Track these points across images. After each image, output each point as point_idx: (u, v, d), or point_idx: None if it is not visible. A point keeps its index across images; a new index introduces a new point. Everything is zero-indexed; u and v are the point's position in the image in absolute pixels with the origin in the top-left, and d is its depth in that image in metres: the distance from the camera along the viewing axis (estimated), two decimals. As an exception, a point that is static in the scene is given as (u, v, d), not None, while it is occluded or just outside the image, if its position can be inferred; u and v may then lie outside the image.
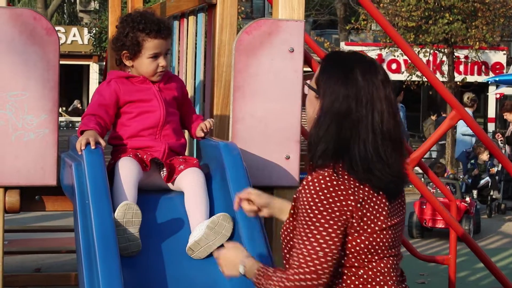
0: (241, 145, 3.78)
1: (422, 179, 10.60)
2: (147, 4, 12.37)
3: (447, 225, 5.47)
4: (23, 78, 3.70)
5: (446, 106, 20.27)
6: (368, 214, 2.45)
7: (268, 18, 4.05)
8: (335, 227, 2.40)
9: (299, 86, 3.99)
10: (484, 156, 13.32)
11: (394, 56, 20.36)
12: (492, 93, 25.96)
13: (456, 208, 6.01)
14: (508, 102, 14.54)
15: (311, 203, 2.42)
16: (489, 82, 23.18)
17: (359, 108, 2.45)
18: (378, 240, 2.47)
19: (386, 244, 2.49)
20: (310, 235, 2.41)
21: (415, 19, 17.74)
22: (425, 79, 15.26)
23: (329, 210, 2.40)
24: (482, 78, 25.18)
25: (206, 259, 3.30)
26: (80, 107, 26.39)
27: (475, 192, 12.84)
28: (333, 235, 2.40)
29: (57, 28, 25.04)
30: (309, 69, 4.62)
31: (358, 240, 2.45)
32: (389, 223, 2.49)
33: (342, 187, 2.42)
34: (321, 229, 2.40)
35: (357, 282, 2.48)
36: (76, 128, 3.62)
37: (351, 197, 2.42)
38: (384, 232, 2.48)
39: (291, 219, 2.57)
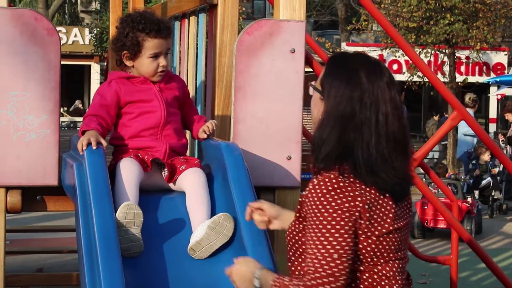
0: (243, 145, 3.78)
1: (424, 179, 10.59)
2: (148, 4, 12.37)
3: (448, 226, 5.47)
4: (24, 79, 3.70)
5: (447, 107, 20.28)
6: (375, 216, 2.42)
7: (269, 19, 4.05)
8: (347, 227, 2.38)
9: (300, 86, 3.99)
10: (486, 157, 13.32)
11: (395, 56, 20.37)
12: (493, 94, 25.95)
13: (458, 208, 6.01)
14: (509, 102, 14.55)
15: (319, 206, 2.39)
16: (490, 83, 23.18)
17: (363, 110, 2.43)
18: (384, 243, 2.45)
19: (392, 247, 2.47)
20: (322, 238, 2.38)
21: (416, 20, 17.74)
22: (426, 80, 15.26)
23: (339, 212, 2.38)
24: (483, 79, 25.18)
25: (207, 259, 3.30)
26: (81, 107, 26.40)
27: (476, 192, 12.84)
28: (346, 235, 2.38)
29: (58, 28, 25.06)
30: (310, 69, 4.62)
31: (365, 243, 2.42)
32: (395, 226, 2.46)
33: (349, 188, 2.41)
34: (332, 231, 2.37)
35: (362, 286, 2.46)
36: (78, 128, 3.62)
37: (358, 198, 2.40)
38: (391, 235, 2.45)
39: (297, 222, 2.55)
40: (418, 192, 6.10)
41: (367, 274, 2.46)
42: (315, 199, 2.40)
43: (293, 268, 2.55)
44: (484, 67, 25.64)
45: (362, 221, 2.40)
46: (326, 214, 2.38)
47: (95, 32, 18.60)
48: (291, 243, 2.57)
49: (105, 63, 7.76)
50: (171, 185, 3.58)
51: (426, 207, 10.52)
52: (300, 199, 2.55)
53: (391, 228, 2.45)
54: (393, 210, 2.46)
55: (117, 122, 3.66)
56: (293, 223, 2.58)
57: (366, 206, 2.40)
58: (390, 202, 2.46)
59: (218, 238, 3.28)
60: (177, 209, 3.48)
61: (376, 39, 24.70)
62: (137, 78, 3.68)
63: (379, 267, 2.46)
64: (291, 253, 2.57)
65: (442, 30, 17.57)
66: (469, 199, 11.21)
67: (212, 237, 3.27)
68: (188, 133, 3.97)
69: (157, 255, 3.30)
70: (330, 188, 2.40)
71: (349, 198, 2.39)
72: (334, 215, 2.38)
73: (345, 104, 2.44)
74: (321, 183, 2.41)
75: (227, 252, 3.31)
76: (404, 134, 2.49)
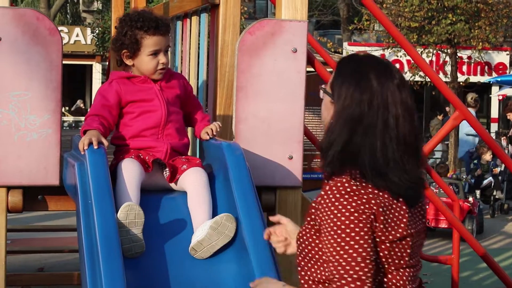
0: (244, 145, 3.78)
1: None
2: (150, 4, 12.37)
3: (450, 225, 5.47)
4: (26, 78, 3.70)
5: (449, 106, 20.28)
6: (389, 220, 2.36)
7: (271, 19, 4.05)
8: (366, 229, 2.31)
9: (302, 86, 3.99)
10: (487, 156, 13.32)
11: (397, 56, 20.35)
12: (495, 95, 25.94)
13: (459, 208, 6.02)
14: (511, 102, 14.54)
15: (335, 211, 2.33)
16: (491, 82, 23.16)
17: (373, 113, 2.38)
18: (397, 249, 2.38)
19: (404, 254, 2.40)
20: (343, 243, 2.31)
21: (418, 20, 17.73)
22: (428, 80, 15.26)
23: (355, 214, 2.31)
24: (485, 79, 25.17)
25: (208, 259, 3.29)
26: (83, 107, 26.43)
27: (478, 192, 12.83)
28: (366, 237, 2.31)
29: (60, 28, 25.07)
30: (312, 69, 4.62)
31: (378, 249, 2.36)
32: (409, 231, 2.40)
33: (362, 191, 2.35)
34: (352, 234, 2.30)
35: None
36: (80, 128, 3.62)
37: (372, 201, 2.34)
38: (403, 241, 2.39)
39: (308, 226, 2.49)
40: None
41: (376, 282, 2.37)
42: (329, 204, 2.34)
43: (302, 273, 2.50)
44: (486, 67, 25.63)
45: (377, 224, 2.34)
46: (343, 218, 2.31)
47: (97, 31, 18.59)
48: (301, 248, 2.51)
49: (107, 63, 7.76)
50: (172, 185, 3.58)
51: (427, 206, 10.51)
52: (312, 205, 2.48)
53: (404, 233, 2.38)
54: (407, 215, 2.39)
55: (118, 121, 3.66)
56: (304, 228, 2.51)
57: (381, 209, 2.34)
58: (404, 207, 2.40)
59: (220, 238, 3.28)
60: (179, 209, 3.47)
61: (378, 39, 24.69)
62: (138, 77, 3.68)
63: (389, 276, 2.39)
64: (300, 258, 2.52)
65: (444, 30, 17.56)
66: (470, 199, 11.21)
67: (214, 237, 3.27)
68: (189, 132, 3.97)
69: (158, 254, 3.30)
70: (343, 192, 2.34)
71: (364, 201, 2.33)
72: (351, 218, 2.31)
73: (354, 107, 2.39)
74: (333, 187, 2.36)
75: (228, 252, 3.31)
76: (415, 136, 2.44)
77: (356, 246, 2.30)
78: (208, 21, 4.59)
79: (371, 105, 2.39)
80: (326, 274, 2.39)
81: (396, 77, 2.45)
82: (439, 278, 7.91)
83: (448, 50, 18.84)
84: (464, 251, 7.77)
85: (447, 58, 19.56)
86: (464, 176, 13.56)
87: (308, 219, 2.50)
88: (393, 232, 2.37)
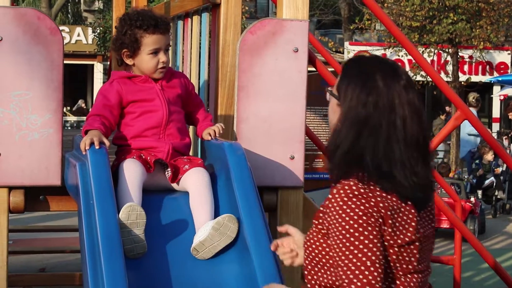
0: (245, 145, 3.77)
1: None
2: (151, 3, 12.37)
3: (451, 225, 5.46)
4: (27, 78, 3.70)
5: (449, 106, 20.28)
6: (397, 224, 2.32)
7: (272, 18, 4.05)
8: (374, 232, 2.27)
9: (303, 86, 3.99)
10: (489, 156, 13.31)
11: (399, 56, 20.33)
12: (496, 95, 25.93)
13: (461, 208, 6.01)
14: (513, 102, 14.54)
15: (343, 215, 2.29)
16: (492, 82, 23.15)
17: (379, 114, 2.35)
18: (405, 254, 2.34)
19: (413, 258, 2.36)
20: (351, 247, 2.27)
21: (419, 19, 17.72)
22: (430, 79, 15.25)
23: (364, 217, 2.27)
24: (486, 78, 25.16)
25: (210, 259, 3.29)
26: (85, 107, 26.43)
27: (479, 192, 12.83)
28: (375, 240, 2.27)
29: (61, 27, 25.05)
30: (313, 69, 4.61)
31: (386, 253, 2.32)
32: (418, 236, 2.36)
33: (370, 194, 2.31)
34: (361, 238, 2.26)
35: None
36: (81, 128, 3.62)
37: (381, 204, 2.30)
38: (412, 246, 2.35)
39: (315, 230, 2.45)
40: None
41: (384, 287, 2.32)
42: (337, 208, 2.31)
43: (309, 278, 2.47)
44: (487, 67, 25.61)
45: (385, 228, 2.30)
46: (351, 222, 2.27)
47: (98, 31, 18.59)
48: (308, 252, 2.48)
49: (108, 63, 7.76)
50: (174, 185, 3.57)
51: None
52: (320, 208, 2.45)
53: (413, 237, 2.34)
54: (415, 219, 2.36)
55: (120, 121, 3.66)
56: (311, 232, 2.48)
57: (389, 213, 2.30)
58: (413, 210, 2.36)
59: (222, 239, 3.27)
60: (180, 209, 3.47)
61: (379, 38, 24.68)
62: (139, 77, 3.68)
63: (397, 282, 2.35)
64: (307, 262, 2.49)
65: (445, 30, 17.54)
66: (472, 199, 11.21)
67: (215, 238, 3.26)
68: (191, 131, 3.97)
69: (160, 255, 3.29)
70: (351, 195, 2.30)
71: (372, 204, 2.29)
72: (360, 221, 2.27)
73: (360, 108, 2.36)
74: (341, 191, 2.32)
75: (230, 253, 3.30)
76: (424, 138, 2.41)
77: (365, 250, 2.26)
78: (209, 20, 4.59)
79: (377, 106, 2.36)
80: (334, 278, 2.36)
81: (403, 78, 2.43)
82: (441, 278, 7.89)
83: (450, 50, 18.82)
84: (466, 252, 7.78)
85: (449, 58, 19.53)
86: (466, 176, 13.55)
87: (316, 222, 2.46)
88: (401, 236, 2.33)
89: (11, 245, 5.21)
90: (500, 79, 21.81)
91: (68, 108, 25.49)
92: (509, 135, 14.27)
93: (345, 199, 2.30)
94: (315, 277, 2.46)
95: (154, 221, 3.37)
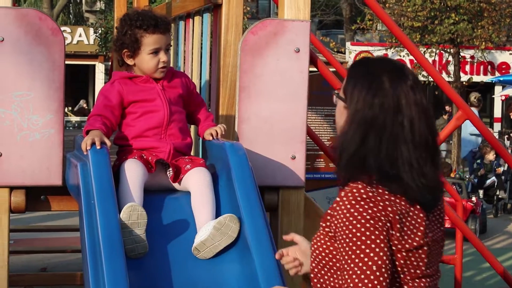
0: (247, 145, 3.77)
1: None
2: (153, 4, 12.37)
3: (453, 225, 5.46)
4: (29, 78, 3.70)
5: (450, 105, 20.29)
6: (405, 228, 2.30)
7: (273, 18, 4.05)
8: (382, 236, 2.24)
9: (304, 86, 3.99)
10: (490, 156, 13.32)
11: (400, 56, 20.33)
12: (498, 96, 25.92)
13: (462, 208, 6.00)
14: (514, 102, 14.54)
15: (350, 218, 2.27)
16: (493, 82, 23.15)
17: (386, 116, 2.33)
18: (413, 258, 2.32)
19: (421, 263, 2.33)
20: (358, 251, 2.24)
21: (421, 19, 17.71)
22: (431, 79, 15.24)
23: (371, 221, 2.25)
24: (488, 78, 25.16)
25: (211, 259, 3.29)
26: (86, 107, 26.43)
27: (481, 192, 12.84)
28: (382, 245, 2.24)
29: (62, 28, 25.04)
30: (314, 69, 4.62)
31: (394, 257, 2.29)
32: (426, 239, 2.33)
33: (378, 198, 2.29)
34: (368, 242, 2.24)
35: None
36: (83, 128, 3.63)
37: (389, 208, 2.28)
38: (420, 250, 2.33)
39: (323, 233, 2.43)
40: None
41: None
42: (345, 211, 2.28)
43: (315, 281, 2.46)
44: (489, 67, 25.60)
45: (393, 232, 2.28)
46: (358, 226, 2.25)
47: (100, 31, 18.58)
48: (314, 255, 2.46)
49: (110, 63, 7.77)
50: (176, 185, 3.57)
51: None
52: (327, 211, 2.43)
53: (421, 242, 2.32)
54: (424, 223, 2.33)
55: (121, 122, 3.66)
56: (318, 234, 2.46)
57: (397, 217, 2.28)
58: (421, 214, 2.34)
59: (223, 239, 3.27)
60: (182, 209, 3.47)
61: (381, 38, 24.67)
62: (140, 77, 3.68)
63: (405, 287, 2.33)
64: (314, 265, 2.47)
65: (447, 30, 17.54)
66: (473, 199, 11.21)
67: (217, 237, 3.26)
68: (192, 131, 3.97)
69: (161, 255, 3.30)
70: (358, 198, 2.28)
71: (380, 207, 2.26)
72: (367, 225, 2.24)
73: (366, 110, 2.34)
74: (349, 194, 2.30)
75: (231, 252, 3.30)
76: (433, 138, 2.38)
77: (372, 255, 2.23)
78: (211, 21, 4.59)
79: (384, 107, 2.34)
80: (341, 282, 2.34)
81: (410, 78, 2.39)
82: (442, 278, 7.89)
83: (451, 50, 18.82)
84: (467, 251, 7.78)
85: (450, 58, 19.54)
86: (467, 176, 13.55)
87: (323, 225, 2.44)
88: (409, 241, 2.31)
89: (12, 245, 5.21)
90: (501, 79, 21.80)
91: (70, 108, 25.50)
92: (511, 135, 14.26)
93: (353, 202, 2.28)
94: (321, 280, 2.44)
95: (155, 221, 3.37)
